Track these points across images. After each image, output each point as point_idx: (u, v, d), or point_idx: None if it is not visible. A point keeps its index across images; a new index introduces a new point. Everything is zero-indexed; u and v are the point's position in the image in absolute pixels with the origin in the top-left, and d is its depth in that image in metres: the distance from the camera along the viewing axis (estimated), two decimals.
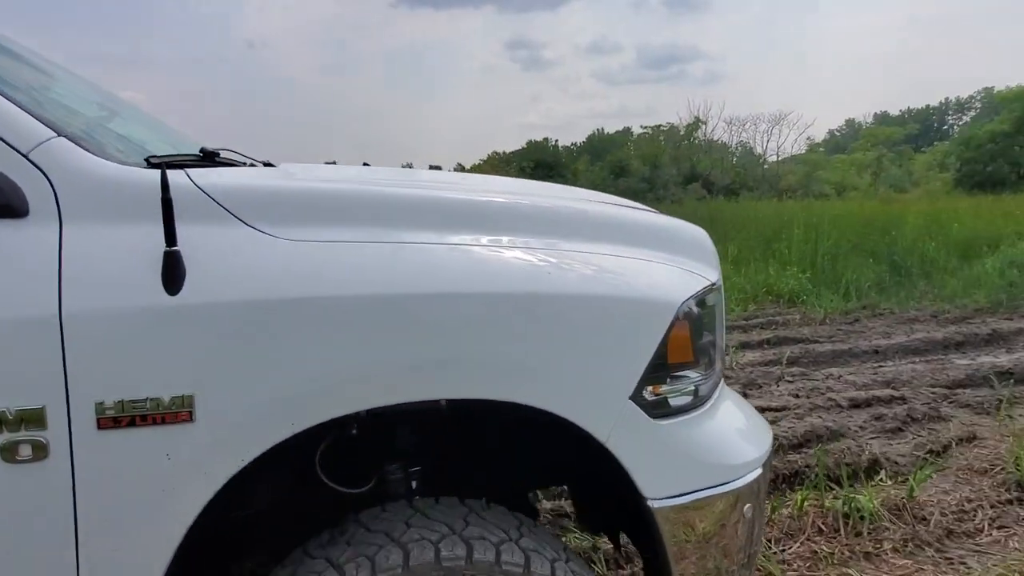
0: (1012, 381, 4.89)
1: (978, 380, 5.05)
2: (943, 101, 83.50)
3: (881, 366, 5.81)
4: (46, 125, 1.11)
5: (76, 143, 1.12)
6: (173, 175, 1.13)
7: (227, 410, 1.09)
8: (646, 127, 65.81)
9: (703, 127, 55.66)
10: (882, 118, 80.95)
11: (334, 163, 2.21)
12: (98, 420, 1.04)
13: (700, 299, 1.40)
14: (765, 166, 53.90)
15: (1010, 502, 3.06)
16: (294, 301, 1.11)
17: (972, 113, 69.80)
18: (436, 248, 1.26)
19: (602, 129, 75.52)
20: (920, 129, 73.60)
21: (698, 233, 1.63)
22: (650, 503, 1.33)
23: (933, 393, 4.77)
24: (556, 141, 67.60)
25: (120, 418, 1.04)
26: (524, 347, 1.24)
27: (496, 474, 1.64)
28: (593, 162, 59.37)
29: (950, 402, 4.63)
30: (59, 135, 1.11)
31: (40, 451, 1.02)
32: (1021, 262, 9.14)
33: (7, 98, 1.09)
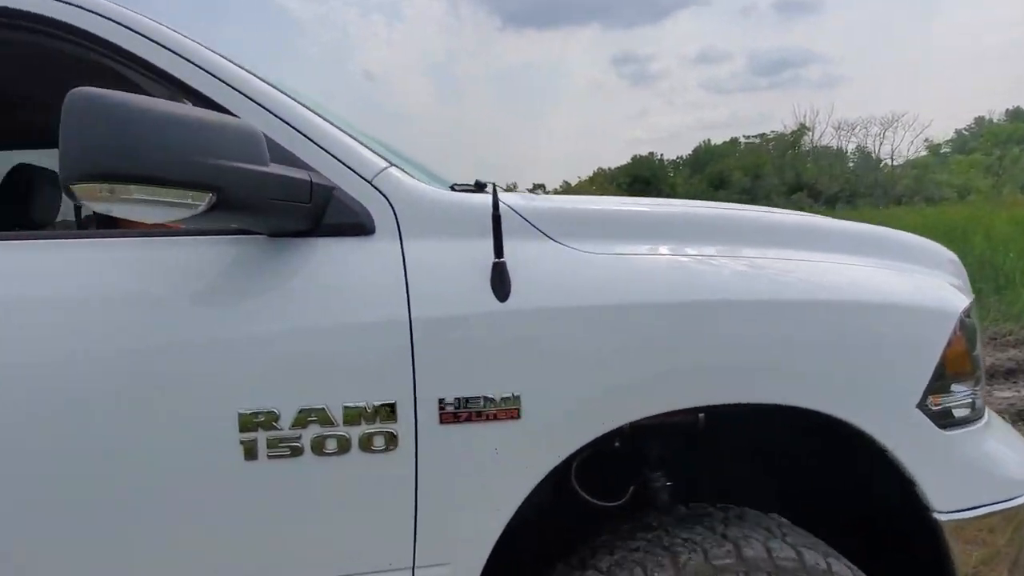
0: None
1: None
2: None
3: None
4: (379, 156, 1.25)
5: (402, 171, 1.27)
6: (486, 198, 1.23)
7: (549, 409, 1.16)
8: (750, 136, 63.88)
9: (809, 134, 53.66)
10: (1015, 113, 74.65)
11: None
12: (440, 415, 1.12)
13: (967, 312, 1.41)
14: (885, 171, 51.10)
15: None
16: (607, 308, 1.19)
17: None
18: (726, 260, 1.32)
19: (708, 141, 73.50)
20: None
21: (950, 253, 1.68)
22: (937, 516, 1.29)
23: None
24: (661, 155, 66.54)
25: (459, 414, 1.13)
26: (821, 355, 1.26)
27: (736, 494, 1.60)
28: (693, 174, 58.26)
29: None
30: (391, 165, 1.25)
31: (391, 442, 1.12)
32: None
33: (348, 134, 1.25)
